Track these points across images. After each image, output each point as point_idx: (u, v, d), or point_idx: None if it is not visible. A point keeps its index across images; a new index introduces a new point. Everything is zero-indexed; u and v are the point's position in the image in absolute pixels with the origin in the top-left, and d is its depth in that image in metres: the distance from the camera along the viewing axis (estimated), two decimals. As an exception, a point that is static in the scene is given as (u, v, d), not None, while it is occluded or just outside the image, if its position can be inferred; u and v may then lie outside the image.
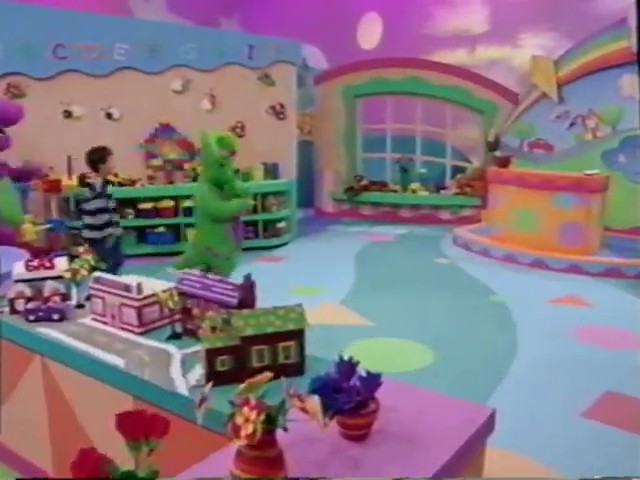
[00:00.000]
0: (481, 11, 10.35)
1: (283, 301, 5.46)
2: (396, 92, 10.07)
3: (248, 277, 2.41)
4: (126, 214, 7.66)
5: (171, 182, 8.05)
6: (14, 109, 5.62)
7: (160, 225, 7.92)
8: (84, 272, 2.97)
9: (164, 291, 2.59)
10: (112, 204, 5.20)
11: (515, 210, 7.47)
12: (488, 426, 1.93)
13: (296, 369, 2.21)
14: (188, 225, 7.83)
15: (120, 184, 7.63)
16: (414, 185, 9.98)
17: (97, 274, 2.83)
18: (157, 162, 8.10)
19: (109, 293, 2.72)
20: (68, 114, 7.83)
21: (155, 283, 2.80)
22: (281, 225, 8.27)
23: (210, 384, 1.56)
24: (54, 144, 7.53)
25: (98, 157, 5.11)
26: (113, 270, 5.05)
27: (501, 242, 7.48)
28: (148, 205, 7.86)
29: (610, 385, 3.91)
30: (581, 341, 4.74)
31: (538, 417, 3.53)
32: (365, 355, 4.39)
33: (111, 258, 5.08)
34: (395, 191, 9.99)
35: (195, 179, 7.91)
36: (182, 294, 2.58)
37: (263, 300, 5.64)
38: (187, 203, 7.81)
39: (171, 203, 7.92)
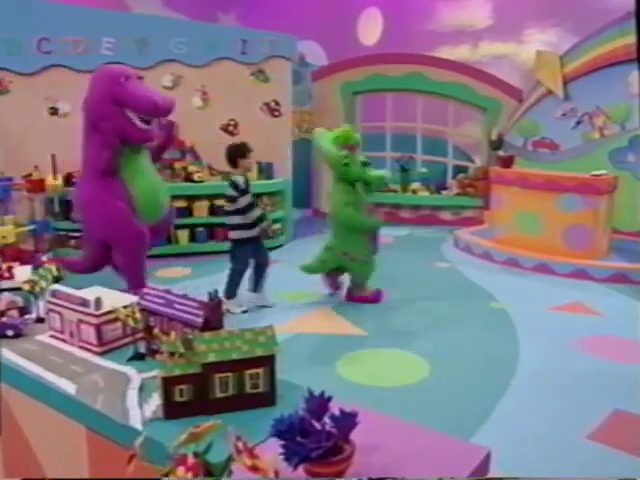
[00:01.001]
0: (484, 5, 10.14)
1: (270, 307, 5.26)
2: (396, 89, 9.90)
3: (214, 294, 2.18)
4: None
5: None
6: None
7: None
8: (43, 284, 2.74)
9: (125, 307, 2.37)
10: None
11: (518, 212, 7.28)
12: (481, 470, 1.69)
13: (266, 400, 1.98)
14: (178, 227, 7.65)
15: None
16: (414, 185, 9.79)
17: (54, 286, 2.60)
18: (147, 161, 7.86)
19: (66, 308, 2.49)
20: (54, 111, 7.62)
21: (118, 297, 2.58)
22: (276, 227, 8.07)
23: (143, 437, 1.32)
24: (39, 142, 7.35)
25: (240, 152, 5.17)
26: (260, 270, 5.38)
27: (503, 245, 7.27)
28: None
29: (619, 403, 3.67)
30: (587, 353, 4.50)
31: (540, 438, 3.29)
32: (356, 368, 4.23)
33: (257, 258, 5.34)
34: (395, 191, 9.78)
35: (187, 178, 7.73)
36: (144, 311, 2.36)
37: (252, 307, 5.43)
38: (178, 203, 7.59)
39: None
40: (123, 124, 5.08)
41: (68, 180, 7.26)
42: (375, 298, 5.63)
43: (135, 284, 5.03)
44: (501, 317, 5.32)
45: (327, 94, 10.35)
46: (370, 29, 11.36)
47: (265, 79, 8.24)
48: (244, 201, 5.12)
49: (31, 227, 6.73)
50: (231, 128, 8.20)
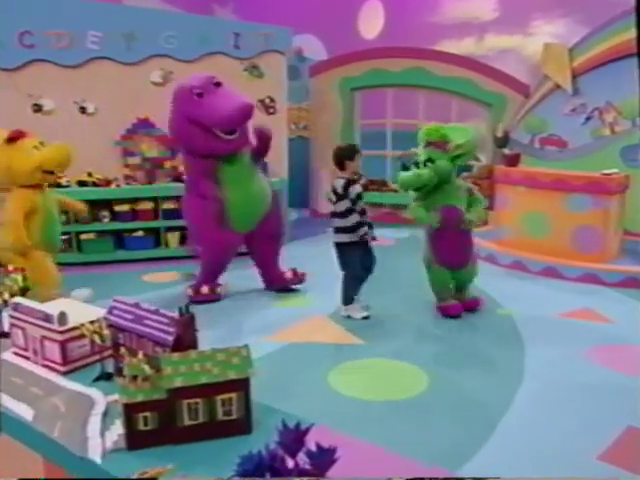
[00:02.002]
0: (490, -4, 10.03)
1: (264, 314, 5.18)
2: (397, 84, 9.80)
3: (186, 308, 2.04)
4: (101, 217, 7.39)
5: (150, 182, 7.72)
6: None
7: (138, 229, 7.58)
8: (6, 296, 2.61)
9: (92, 322, 2.24)
10: (360, 204, 5.18)
11: (524, 213, 7.15)
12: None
13: (240, 427, 1.85)
14: (169, 229, 7.54)
15: (94, 184, 7.37)
16: (416, 185, 9.60)
17: (17, 299, 2.47)
18: (135, 160, 7.78)
19: (29, 323, 2.36)
20: (38, 108, 7.50)
21: (86, 311, 2.44)
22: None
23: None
24: (22, 141, 7.22)
25: (347, 154, 5.21)
26: (362, 277, 5.40)
27: (509, 248, 7.14)
28: (125, 207, 7.53)
29: (632, 419, 3.51)
30: (598, 364, 4.35)
31: (547, 458, 3.14)
32: (350, 380, 4.08)
33: (360, 263, 5.33)
34: (396, 191, 9.65)
35: (177, 178, 7.61)
36: (112, 327, 2.23)
37: (244, 313, 5.36)
38: (167, 205, 7.48)
39: (150, 205, 7.59)
40: (207, 141, 5.39)
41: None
42: (451, 313, 5.38)
43: (201, 281, 5.82)
44: (506, 324, 5.19)
45: (325, 90, 10.25)
46: (371, 22, 11.29)
47: (259, 75, 8.12)
48: (342, 206, 5.16)
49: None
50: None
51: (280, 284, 6.10)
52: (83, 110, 7.67)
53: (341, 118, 10.31)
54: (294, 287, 6.13)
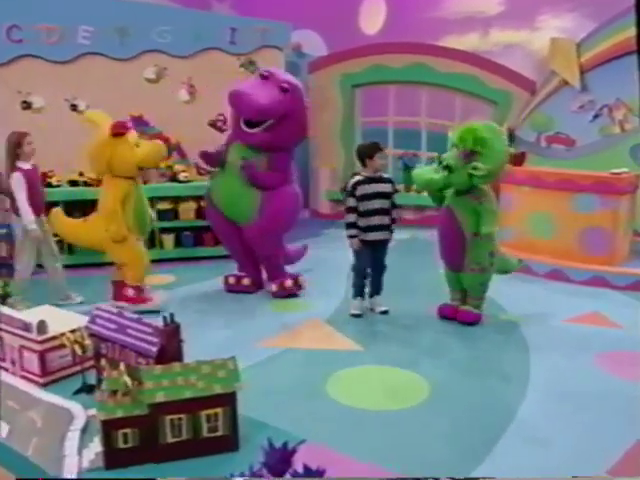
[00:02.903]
0: (495, -11, 9.97)
1: (259, 318, 5.13)
2: (399, 81, 9.74)
3: (171, 318, 1.98)
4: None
5: (144, 182, 7.61)
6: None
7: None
8: (-15, 303, 2.55)
9: (73, 331, 2.17)
10: (375, 204, 5.30)
11: (530, 213, 7.09)
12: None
13: (226, 444, 1.79)
14: (164, 230, 7.48)
15: (86, 184, 7.29)
16: (419, 186, 9.56)
17: (-4, 307, 2.42)
18: (129, 159, 7.70)
19: (8, 332, 2.30)
20: (27, 105, 7.48)
21: (69, 319, 2.38)
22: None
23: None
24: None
25: (367, 153, 5.31)
26: (363, 274, 5.48)
27: (514, 250, 7.01)
28: (118, 208, 7.43)
29: (643, 432, 3.46)
30: (606, 371, 4.28)
31: (553, 473, 3.08)
32: (349, 388, 4.01)
33: (365, 261, 5.43)
34: (397, 190, 9.60)
35: (172, 178, 7.56)
36: (94, 336, 2.16)
37: (238, 317, 5.32)
38: (162, 205, 7.41)
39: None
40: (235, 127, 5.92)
41: (42, 181, 7.07)
42: (438, 311, 5.48)
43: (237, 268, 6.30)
44: (511, 330, 5.15)
45: (325, 87, 10.18)
46: (372, 17, 11.23)
47: (256, 71, 8.04)
48: (347, 202, 5.34)
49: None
50: (220, 124, 8.01)
51: (272, 294, 6.10)
52: (74, 108, 7.64)
53: (341, 116, 10.25)
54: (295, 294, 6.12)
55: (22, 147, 5.45)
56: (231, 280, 6.18)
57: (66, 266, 6.00)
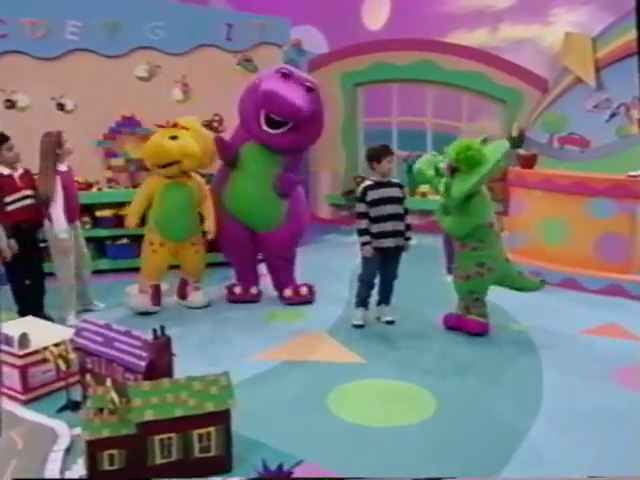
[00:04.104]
0: (505, -18, 10.00)
1: (256, 329, 5.12)
2: (404, 79, 9.80)
3: (161, 330, 1.96)
4: (82, 223, 7.31)
5: (135, 185, 7.64)
6: None
7: (123, 236, 7.49)
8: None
9: (57, 345, 2.15)
10: (387, 209, 5.33)
11: (542, 219, 7.08)
12: None
13: (219, 465, 1.77)
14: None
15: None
16: (423, 187, 9.58)
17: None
18: (118, 162, 7.72)
19: (-13, 346, 2.28)
20: (11, 104, 7.47)
21: (53, 332, 2.36)
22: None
23: None
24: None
25: (373, 156, 5.38)
26: (370, 284, 5.52)
27: (524, 257, 7.05)
28: (108, 213, 7.46)
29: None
30: (626, 387, 4.25)
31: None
32: (351, 403, 3.99)
33: (382, 271, 5.52)
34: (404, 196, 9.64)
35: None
36: (79, 350, 2.15)
37: (235, 328, 5.29)
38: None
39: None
40: (253, 125, 5.89)
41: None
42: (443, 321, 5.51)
43: (236, 277, 6.35)
44: (522, 342, 5.13)
45: (325, 85, 10.07)
46: (375, 12, 11.25)
47: (254, 69, 8.06)
48: (358, 208, 5.38)
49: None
50: (216, 124, 8.03)
51: (285, 300, 6.18)
52: (61, 107, 7.64)
53: (343, 116, 10.28)
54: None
55: (62, 147, 5.43)
56: (237, 290, 6.18)
57: (52, 274, 5.99)
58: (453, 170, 5.06)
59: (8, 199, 5.25)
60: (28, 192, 5.37)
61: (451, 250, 5.45)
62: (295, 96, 5.58)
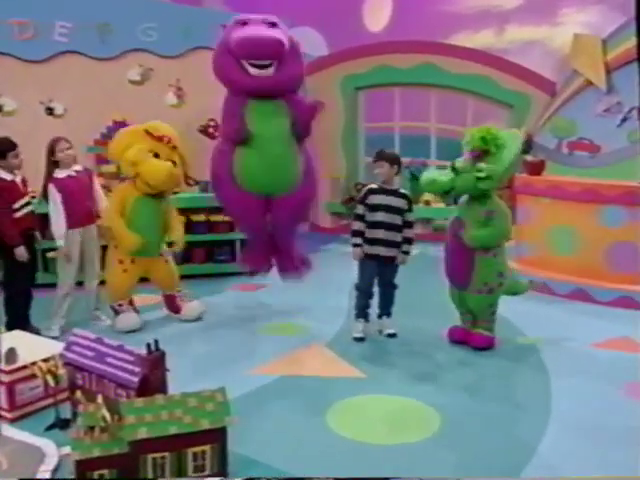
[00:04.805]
0: (513, -19, 10.06)
1: (253, 342, 5.12)
2: (406, 83, 9.82)
3: (155, 344, 1.97)
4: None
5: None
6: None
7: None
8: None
9: (46, 360, 2.16)
10: (377, 216, 5.36)
11: (551, 227, 7.09)
12: None
13: (215, 485, 1.77)
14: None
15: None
16: (427, 195, 9.62)
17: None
18: (110, 168, 7.63)
19: (-27, 361, 2.29)
20: (-2, 108, 7.51)
21: (43, 346, 2.37)
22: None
23: None
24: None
25: (374, 159, 5.50)
26: (366, 292, 5.53)
27: (532, 267, 7.08)
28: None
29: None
30: (637, 402, 4.25)
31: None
32: (351, 420, 3.99)
33: (379, 279, 5.53)
34: (410, 209, 9.64)
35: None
36: (69, 365, 2.15)
37: (230, 341, 5.30)
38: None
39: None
40: (233, 72, 5.77)
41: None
42: (448, 335, 5.51)
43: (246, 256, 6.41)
44: (529, 355, 5.14)
45: (325, 89, 10.21)
46: (377, 13, 11.28)
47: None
48: (357, 210, 5.45)
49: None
50: (211, 130, 8.07)
51: (285, 272, 6.27)
52: (50, 111, 7.68)
53: (343, 121, 10.29)
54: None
55: (55, 154, 5.53)
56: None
57: (41, 285, 6.00)
58: (479, 156, 5.02)
59: (16, 205, 5.34)
60: (29, 198, 5.50)
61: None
62: (266, 32, 5.56)
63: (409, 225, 5.47)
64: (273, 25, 5.70)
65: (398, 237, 5.40)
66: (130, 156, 5.53)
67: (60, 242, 5.49)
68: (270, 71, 5.60)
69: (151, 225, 5.75)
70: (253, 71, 5.58)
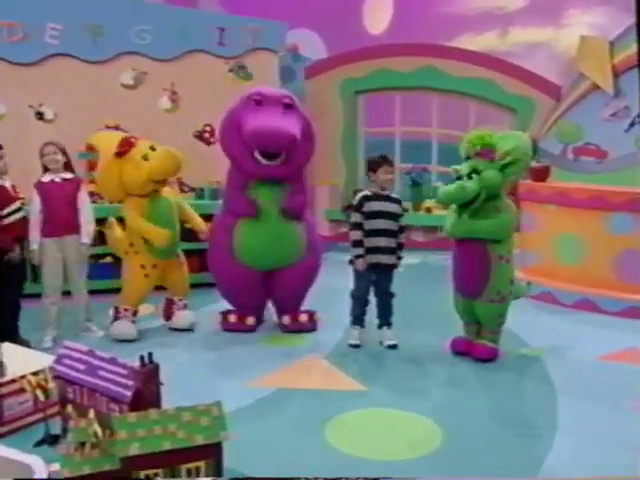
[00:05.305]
0: (517, -18, 10.11)
1: (249, 354, 5.11)
2: (407, 86, 9.86)
3: (149, 357, 1.96)
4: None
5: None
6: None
7: (106, 254, 7.48)
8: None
9: (35, 373, 2.16)
10: (379, 224, 5.38)
11: (556, 235, 7.10)
12: None
13: (209, 503, 1.77)
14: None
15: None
16: (429, 202, 9.65)
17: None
18: (102, 175, 7.71)
19: (-39, 374, 2.29)
20: (-15, 112, 7.51)
21: (33, 359, 2.37)
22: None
23: None
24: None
25: (371, 165, 5.48)
26: (362, 300, 5.60)
27: (537, 276, 7.07)
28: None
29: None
30: (644, 416, 4.27)
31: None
32: (351, 435, 3.98)
33: (375, 288, 5.57)
34: (405, 210, 9.63)
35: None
36: (60, 379, 2.15)
37: (225, 353, 5.30)
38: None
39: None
40: (243, 156, 5.75)
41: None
42: (451, 346, 5.52)
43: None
44: (534, 367, 5.13)
45: (324, 93, 10.27)
46: (377, 15, 11.37)
47: (247, 76, 8.17)
48: (353, 218, 5.45)
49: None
50: (207, 135, 8.11)
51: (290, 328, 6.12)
52: (40, 116, 7.69)
53: (342, 126, 10.30)
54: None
55: (42, 157, 5.63)
56: (232, 318, 6.06)
57: (30, 295, 5.99)
58: (491, 152, 5.05)
59: (6, 211, 5.34)
60: (20, 204, 5.52)
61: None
62: (281, 124, 5.53)
63: (402, 230, 5.53)
64: (288, 107, 5.70)
65: (394, 243, 5.44)
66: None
67: (33, 247, 5.54)
68: (279, 160, 5.64)
69: (167, 225, 5.79)
70: (262, 160, 5.61)
